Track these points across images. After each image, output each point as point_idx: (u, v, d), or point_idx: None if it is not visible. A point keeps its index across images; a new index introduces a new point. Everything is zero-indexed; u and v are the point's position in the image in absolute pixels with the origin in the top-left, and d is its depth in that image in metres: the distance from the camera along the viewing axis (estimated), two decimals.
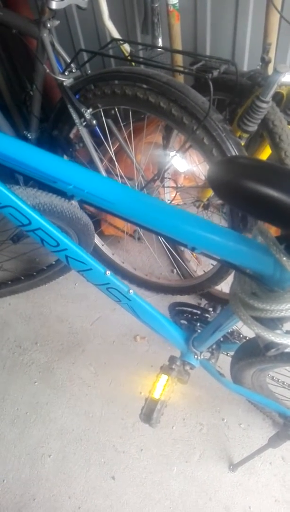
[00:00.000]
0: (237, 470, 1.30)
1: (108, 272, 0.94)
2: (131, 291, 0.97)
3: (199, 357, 1.04)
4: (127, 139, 1.49)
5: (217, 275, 1.39)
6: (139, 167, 1.46)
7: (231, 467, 1.31)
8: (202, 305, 1.16)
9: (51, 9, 1.14)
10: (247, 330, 1.11)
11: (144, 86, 1.15)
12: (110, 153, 1.46)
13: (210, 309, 1.09)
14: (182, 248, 1.74)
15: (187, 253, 1.72)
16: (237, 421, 1.39)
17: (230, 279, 1.41)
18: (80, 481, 1.33)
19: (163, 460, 1.34)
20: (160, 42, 1.46)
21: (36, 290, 1.78)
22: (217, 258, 0.64)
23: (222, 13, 1.40)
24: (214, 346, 1.04)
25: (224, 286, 1.53)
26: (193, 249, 0.65)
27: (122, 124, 1.39)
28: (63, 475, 1.34)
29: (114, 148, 1.53)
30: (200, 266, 1.68)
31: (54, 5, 1.13)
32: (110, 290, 0.98)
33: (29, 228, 0.86)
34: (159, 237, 1.62)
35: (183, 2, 1.36)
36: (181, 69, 1.07)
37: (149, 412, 0.90)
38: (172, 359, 0.98)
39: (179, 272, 1.70)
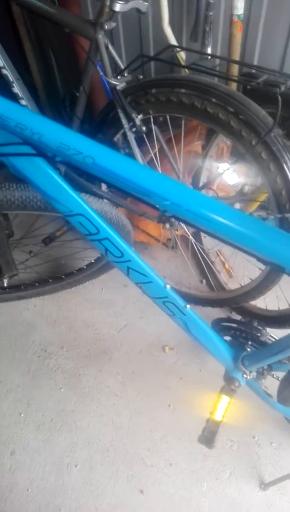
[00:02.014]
0: (268, 489, 1.28)
1: (168, 286, 0.92)
2: (187, 306, 0.95)
3: (248, 377, 1.01)
4: (168, 146, 1.47)
5: (256, 290, 1.37)
6: (180, 175, 1.44)
7: (263, 486, 1.28)
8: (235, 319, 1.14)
9: (114, 11, 1.11)
10: None
11: (203, 95, 1.13)
12: (154, 160, 1.44)
13: (260, 327, 1.07)
14: (213, 259, 1.72)
15: (218, 264, 1.70)
16: (269, 439, 1.37)
17: (269, 294, 1.39)
18: (108, 493, 1.30)
19: (193, 476, 1.32)
20: (209, 51, 1.44)
21: (61, 293, 1.75)
22: None
23: (275, 24, 1.38)
24: (265, 366, 1.02)
25: (259, 301, 1.51)
26: None
27: (171, 131, 1.36)
28: (90, 486, 1.31)
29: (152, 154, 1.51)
30: (231, 279, 1.66)
31: (118, 7, 1.10)
32: (166, 304, 0.95)
33: (96, 237, 0.84)
34: (195, 246, 1.59)
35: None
36: (246, 81, 1.05)
37: (211, 435, 0.88)
38: (230, 380, 0.95)
39: (211, 283, 1.68)
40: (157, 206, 0.64)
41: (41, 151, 0.70)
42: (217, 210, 0.59)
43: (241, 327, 1.06)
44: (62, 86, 2.01)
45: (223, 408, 0.92)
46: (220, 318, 1.15)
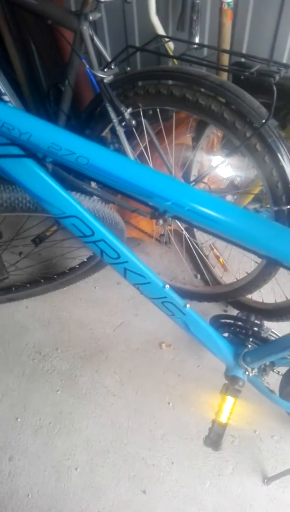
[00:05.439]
0: (271, 483, 1.28)
1: (167, 286, 0.90)
2: (187, 305, 0.93)
3: (250, 373, 1.00)
4: (158, 140, 1.43)
5: (253, 284, 1.35)
6: (171, 168, 1.41)
7: (266, 480, 1.28)
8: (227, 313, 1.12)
9: (98, 1, 1.07)
10: None
11: (195, 87, 1.09)
12: (144, 154, 1.40)
13: (258, 322, 1.06)
14: (207, 253, 1.69)
15: (212, 258, 1.68)
16: (269, 433, 1.37)
17: (265, 287, 1.37)
18: (110, 495, 1.28)
19: (196, 474, 1.30)
20: (197, 41, 1.40)
21: (53, 294, 1.71)
22: None
23: (264, 11, 1.35)
24: (267, 363, 1.00)
25: (255, 294, 1.49)
26: None
27: (161, 124, 1.33)
28: (92, 489, 1.29)
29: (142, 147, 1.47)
30: (226, 273, 1.64)
31: None
32: (165, 304, 0.93)
33: (91, 239, 0.81)
34: (189, 241, 1.57)
35: None
36: (239, 71, 1.02)
37: (217, 438, 0.86)
38: (234, 379, 0.93)
39: (205, 277, 1.65)
40: (157, 207, 0.61)
41: (30, 152, 0.66)
42: (222, 210, 0.56)
43: (241, 324, 1.04)
44: (46, 81, 1.96)
45: (228, 409, 0.90)
46: (218, 314, 1.13)
